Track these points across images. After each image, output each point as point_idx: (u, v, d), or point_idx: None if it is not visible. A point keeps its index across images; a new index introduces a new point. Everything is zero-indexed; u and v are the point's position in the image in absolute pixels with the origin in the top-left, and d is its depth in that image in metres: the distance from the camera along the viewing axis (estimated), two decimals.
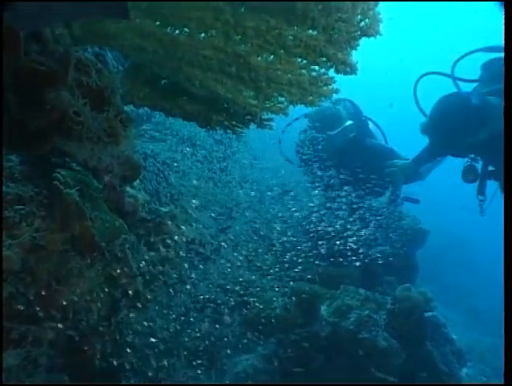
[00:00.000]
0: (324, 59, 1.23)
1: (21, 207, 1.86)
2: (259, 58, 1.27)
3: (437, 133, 3.52)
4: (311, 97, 1.42)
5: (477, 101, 3.33)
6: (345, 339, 3.65)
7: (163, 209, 2.53)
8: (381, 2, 1.27)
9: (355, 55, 1.34)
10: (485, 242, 13.86)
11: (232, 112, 1.88)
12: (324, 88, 1.36)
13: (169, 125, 3.97)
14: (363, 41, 1.31)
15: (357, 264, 4.27)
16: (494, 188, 3.95)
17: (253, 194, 4.09)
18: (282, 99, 1.51)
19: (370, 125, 4.91)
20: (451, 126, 3.37)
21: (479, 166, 3.77)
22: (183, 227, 2.58)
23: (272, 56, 1.28)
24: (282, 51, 1.24)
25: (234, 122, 1.93)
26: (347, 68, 1.25)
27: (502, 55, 3.67)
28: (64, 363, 1.76)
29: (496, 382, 6.07)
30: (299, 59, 1.29)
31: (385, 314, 3.93)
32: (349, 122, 4.46)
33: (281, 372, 3.45)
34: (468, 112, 3.31)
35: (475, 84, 3.84)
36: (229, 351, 3.41)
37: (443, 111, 3.46)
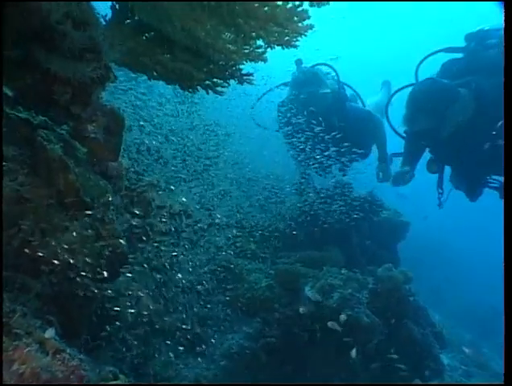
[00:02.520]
0: None
1: (3, 163, 1.87)
2: None
3: (417, 116, 3.59)
4: (287, 37, 1.49)
5: (450, 84, 3.47)
6: (329, 317, 3.70)
7: (146, 178, 2.57)
8: None
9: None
10: (459, 244, 14.20)
11: (212, 68, 1.94)
12: (300, 24, 1.44)
13: None
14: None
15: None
16: (450, 188, 4.11)
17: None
18: (261, 42, 1.59)
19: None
20: (430, 104, 3.46)
21: None
22: (166, 196, 2.62)
23: None
24: None
25: (215, 80, 2.00)
26: None
27: (460, 55, 3.89)
28: (50, 312, 1.77)
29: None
30: None
31: (367, 293, 4.00)
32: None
33: (266, 350, 3.47)
34: (444, 91, 3.43)
35: None
36: (215, 330, 3.43)
37: (422, 92, 3.55)
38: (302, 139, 4.25)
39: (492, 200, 3.81)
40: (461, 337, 8.31)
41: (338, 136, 4.23)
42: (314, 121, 4.24)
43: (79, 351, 1.32)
